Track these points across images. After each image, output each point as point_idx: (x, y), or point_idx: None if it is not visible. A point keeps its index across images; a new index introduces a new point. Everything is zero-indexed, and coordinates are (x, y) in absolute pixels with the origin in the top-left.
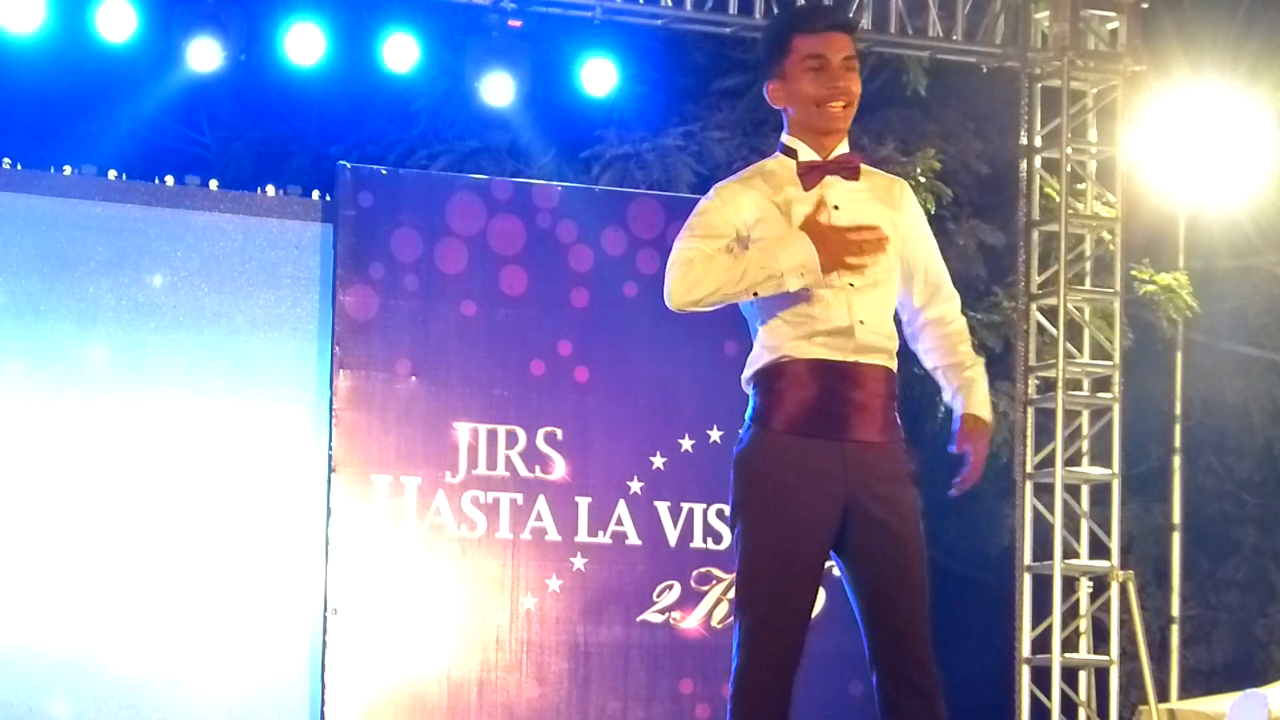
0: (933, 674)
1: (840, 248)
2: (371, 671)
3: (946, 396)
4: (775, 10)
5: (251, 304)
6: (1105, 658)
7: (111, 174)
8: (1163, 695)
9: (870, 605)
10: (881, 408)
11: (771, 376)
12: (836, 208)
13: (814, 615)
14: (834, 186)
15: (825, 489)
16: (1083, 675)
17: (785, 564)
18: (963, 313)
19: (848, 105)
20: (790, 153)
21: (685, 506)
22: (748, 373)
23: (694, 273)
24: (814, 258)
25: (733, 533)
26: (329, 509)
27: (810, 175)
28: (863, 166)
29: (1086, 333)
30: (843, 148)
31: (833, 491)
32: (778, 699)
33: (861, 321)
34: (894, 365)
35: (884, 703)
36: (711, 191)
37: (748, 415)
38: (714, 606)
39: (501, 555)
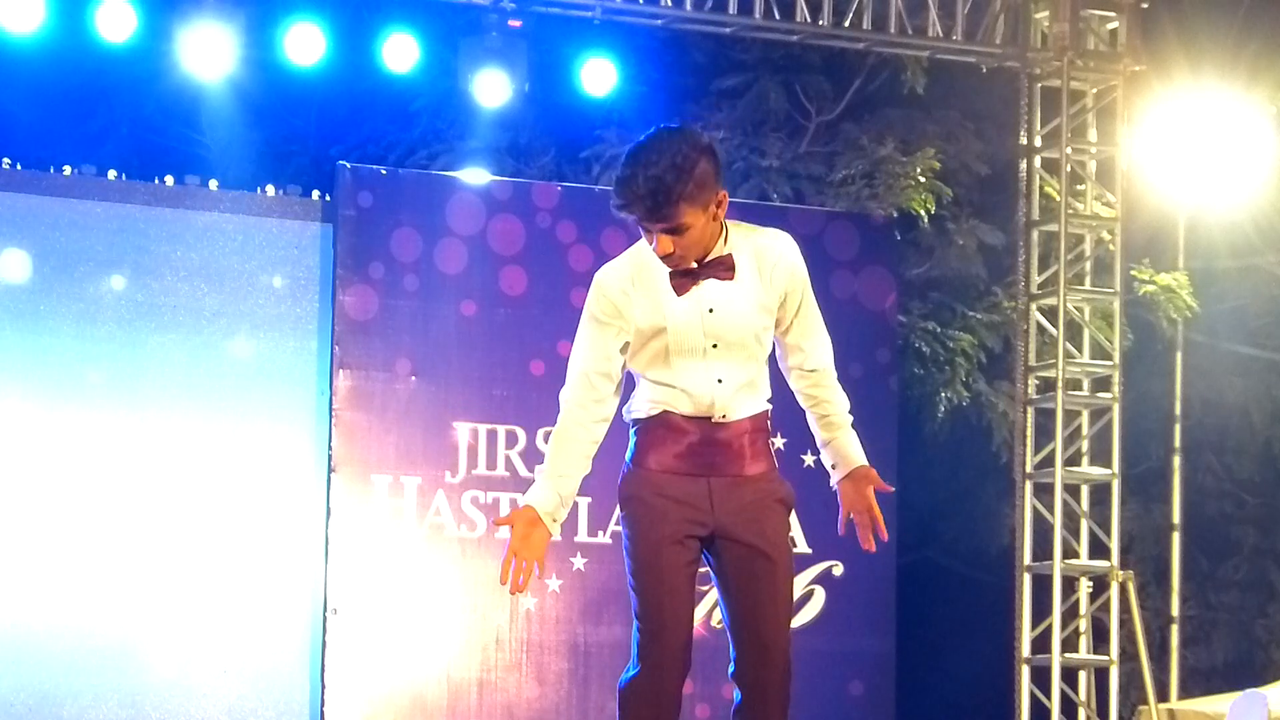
0: (785, 693)
1: (509, 522)
2: (371, 671)
3: (820, 448)
4: (775, 11)
5: (251, 304)
6: (1105, 658)
7: (111, 174)
8: (1162, 695)
9: (736, 620)
10: (748, 444)
11: (648, 426)
12: (711, 310)
13: (811, 617)
14: (708, 287)
15: (693, 515)
16: (1082, 675)
17: (661, 577)
18: (965, 313)
19: (681, 261)
20: None
21: None
22: (628, 416)
23: (557, 436)
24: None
25: (624, 550)
26: (329, 509)
27: (683, 282)
28: (737, 243)
29: (1086, 333)
30: (718, 249)
31: (701, 519)
32: (665, 702)
33: (720, 380)
34: (763, 407)
35: (738, 711)
36: (594, 295)
37: (628, 455)
38: (713, 607)
39: (501, 555)
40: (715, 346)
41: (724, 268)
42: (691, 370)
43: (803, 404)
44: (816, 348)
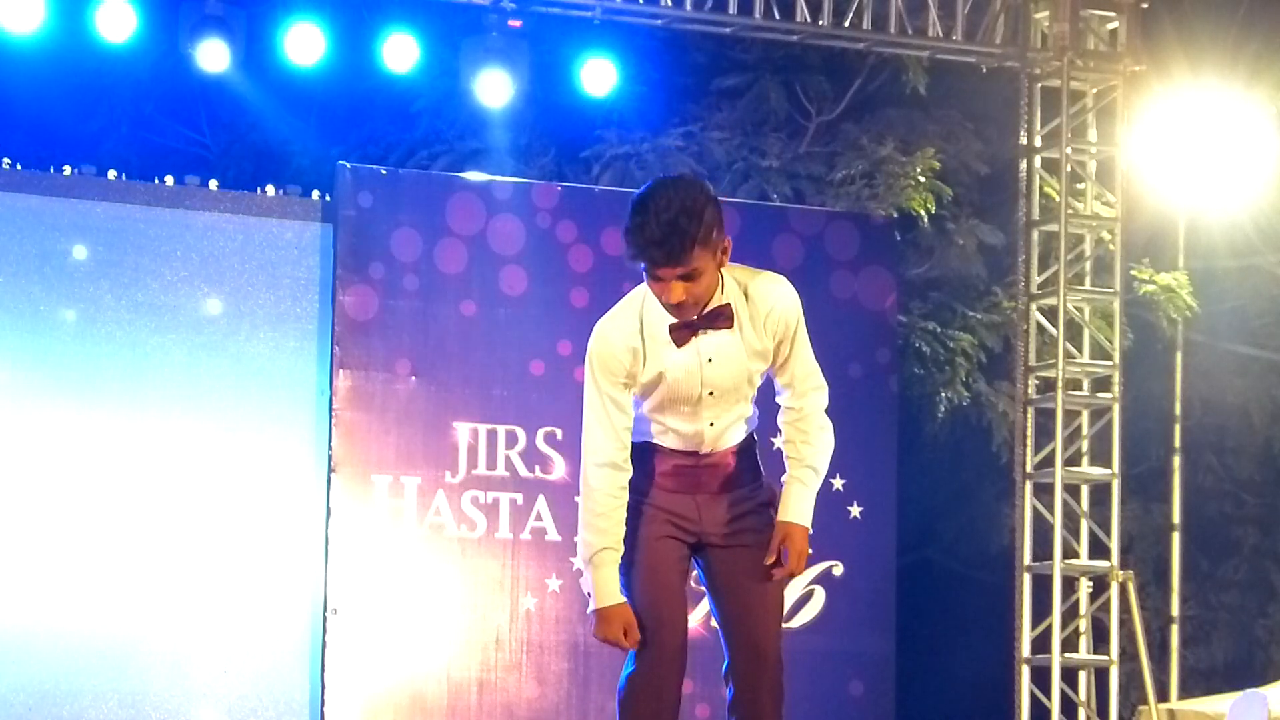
0: (779, 691)
1: (612, 636)
2: (371, 671)
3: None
4: (775, 11)
5: (251, 304)
6: (1105, 658)
7: (111, 174)
8: (1162, 695)
9: (727, 620)
10: (735, 464)
11: (642, 451)
12: (711, 360)
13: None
14: (706, 339)
15: (682, 523)
16: (1082, 675)
17: (653, 575)
18: (965, 313)
19: (691, 308)
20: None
21: None
22: None
23: (589, 500)
24: (600, 617)
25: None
26: (329, 509)
27: (682, 334)
28: (733, 291)
29: (1086, 333)
30: (715, 299)
31: (687, 525)
32: (666, 697)
33: (712, 424)
34: (745, 432)
35: (732, 709)
36: (595, 355)
37: None
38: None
39: (501, 555)
40: (711, 394)
41: (723, 318)
42: (685, 415)
43: (783, 435)
44: (805, 388)
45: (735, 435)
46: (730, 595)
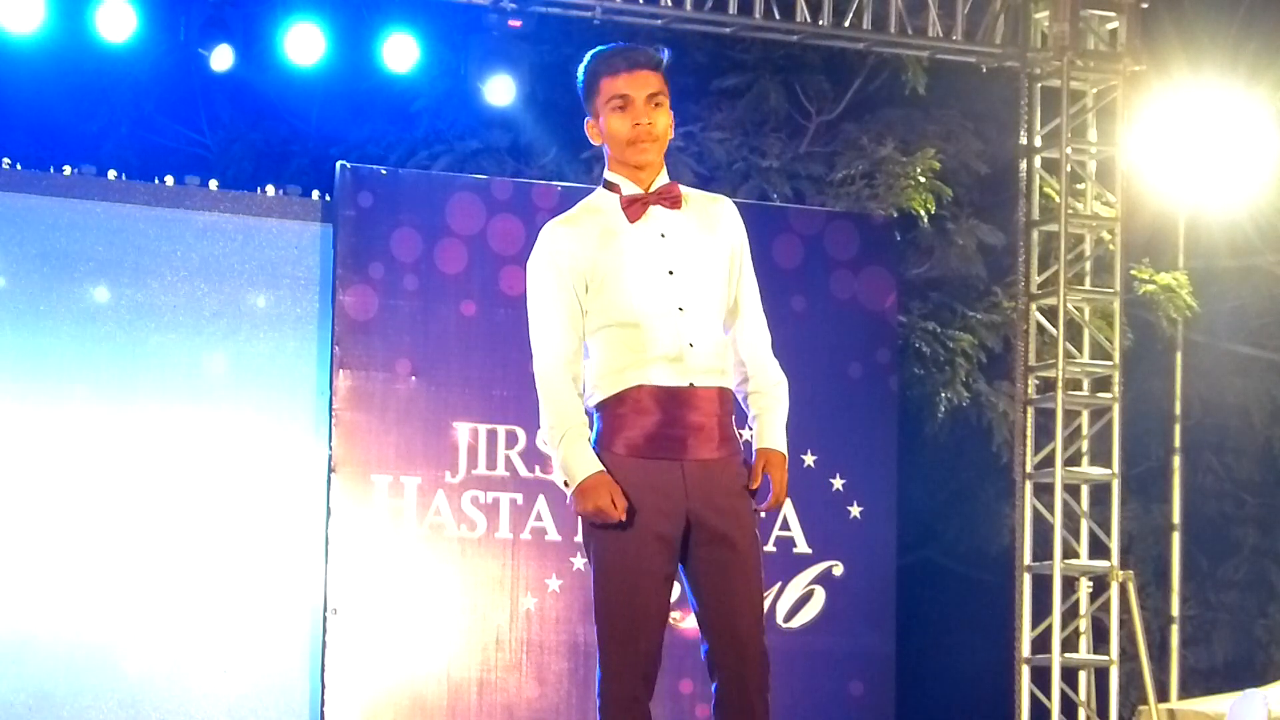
0: (765, 684)
1: (597, 506)
2: (371, 671)
3: (749, 421)
4: (775, 11)
5: (251, 304)
6: (1105, 658)
7: (111, 174)
8: (1162, 695)
9: (710, 614)
10: (718, 425)
11: (612, 404)
12: (663, 235)
13: (811, 617)
14: (658, 216)
15: (667, 506)
16: (1082, 675)
17: (634, 582)
18: (965, 313)
19: (653, 141)
20: (613, 188)
21: None
22: (589, 400)
23: (545, 390)
24: (580, 492)
25: (588, 552)
26: (329, 509)
27: (634, 208)
28: (683, 191)
29: (1086, 333)
30: (662, 178)
31: (674, 508)
32: (639, 709)
33: (691, 345)
34: (729, 383)
35: (719, 706)
36: (542, 242)
37: (591, 440)
38: None
39: (501, 555)
40: (672, 274)
41: (670, 197)
42: (652, 299)
43: (741, 379)
44: (755, 323)
45: (717, 365)
46: (712, 587)
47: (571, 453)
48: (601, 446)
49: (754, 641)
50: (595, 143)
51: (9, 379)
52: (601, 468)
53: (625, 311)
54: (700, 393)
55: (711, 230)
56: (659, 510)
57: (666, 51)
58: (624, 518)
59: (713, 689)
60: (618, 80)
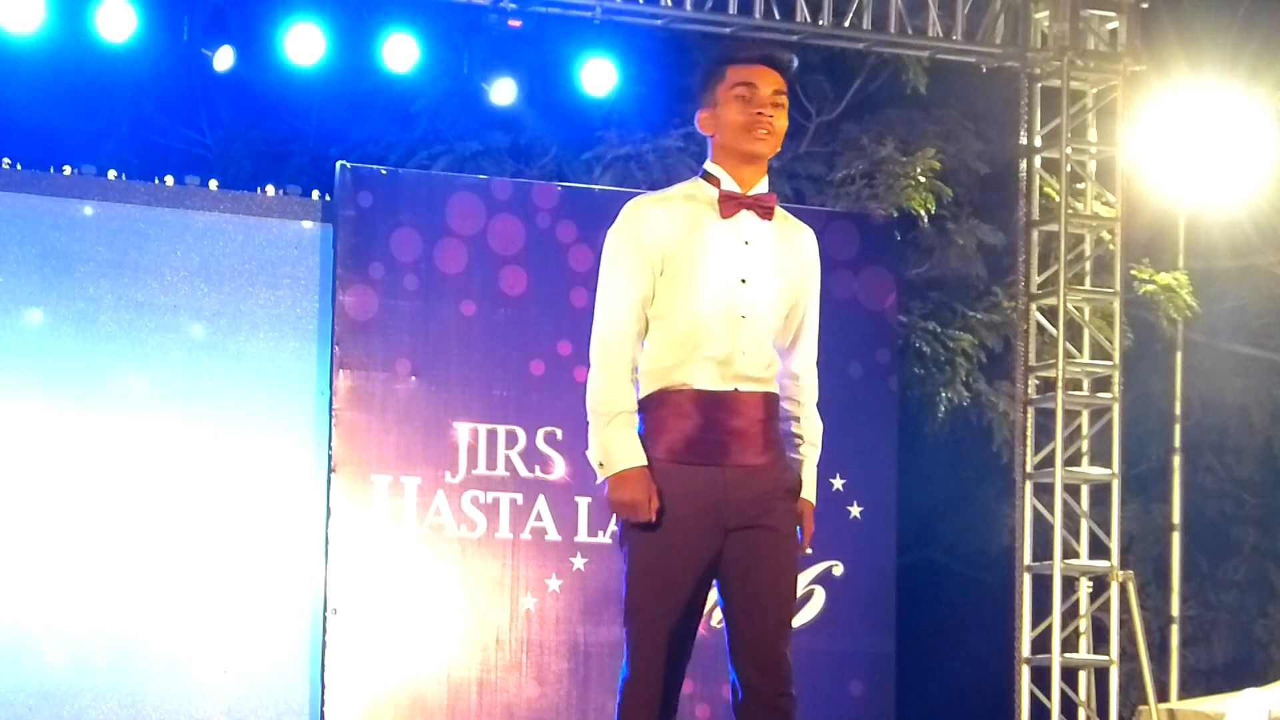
0: (789, 693)
1: (633, 498)
2: (371, 671)
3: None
4: (775, 11)
5: (251, 304)
6: (1105, 658)
7: (111, 174)
8: (1162, 695)
9: (738, 618)
10: (761, 431)
11: (653, 405)
12: (747, 243)
13: (811, 617)
14: (747, 222)
15: (706, 513)
16: (1082, 675)
17: (667, 584)
18: (965, 313)
19: (770, 134)
20: (712, 180)
21: None
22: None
23: (604, 364)
24: (618, 480)
25: (621, 551)
26: (329, 509)
27: (728, 204)
28: (777, 209)
29: (1086, 333)
30: (762, 185)
31: (713, 515)
32: (663, 711)
33: (743, 353)
34: (774, 389)
35: (740, 710)
36: (629, 214)
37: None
38: (713, 607)
39: (501, 555)
40: (744, 282)
41: (765, 206)
42: (718, 303)
43: (780, 410)
44: (807, 360)
45: (765, 374)
46: (744, 593)
47: (618, 438)
48: (643, 448)
49: (779, 651)
50: (705, 132)
51: (9, 379)
52: (645, 463)
53: (688, 309)
54: (743, 397)
55: (793, 253)
56: (698, 517)
57: (796, 61)
58: (654, 519)
59: (731, 680)
60: (747, 70)
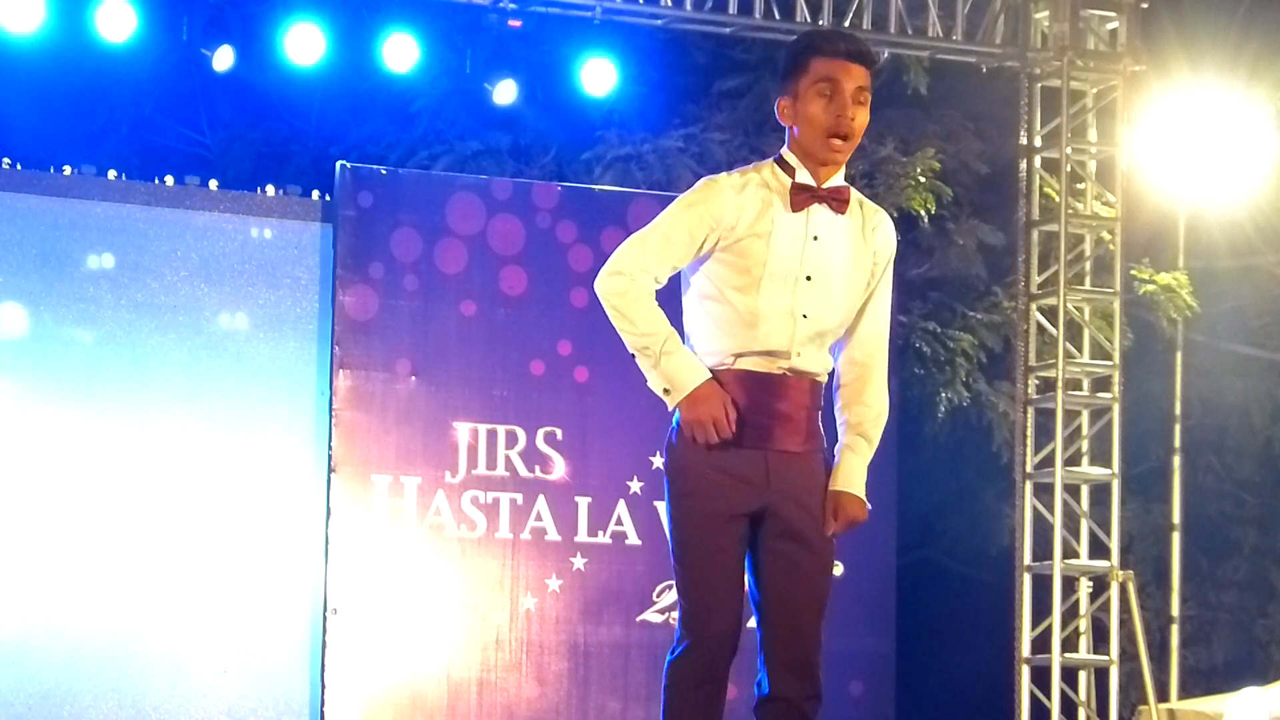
0: (817, 694)
1: (712, 415)
2: (371, 671)
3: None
4: (775, 11)
5: (251, 304)
6: (1105, 658)
7: (111, 174)
8: (1162, 695)
9: (771, 609)
10: (805, 419)
11: None
12: (816, 238)
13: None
14: (819, 216)
15: (746, 491)
16: (1082, 675)
17: (712, 556)
18: (965, 313)
19: (849, 139)
20: (788, 169)
21: None
22: None
23: (627, 298)
24: (691, 400)
25: (668, 525)
26: (329, 509)
27: (800, 197)
28: (852, 195)
29: (1086, 333)
30: (837, 177)
31: (753, 495)
32: (709, 688)
33: (799, 353)
34: (823, 379)
35: (762, 705)
36: (703, 187)
37: (675, 417)
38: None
39: (501, 555)
40: (809, 279)
41: (840, 200)
42: (779, 300)
43: (837, 398)
44: (875, 344)
45: (819, 365)
46: (780, 584)
47: (676, 361)
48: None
49: (810, 645)
50: (784, 123)
51: (9, 379)
52: (711, 376)
53: (748, 302)
54: (792, 382)
55: (864, 240)
56: (737, 494)
57: (885, 53)
58: (733, 432)
59: (758, 680)
60: (832, 64)
